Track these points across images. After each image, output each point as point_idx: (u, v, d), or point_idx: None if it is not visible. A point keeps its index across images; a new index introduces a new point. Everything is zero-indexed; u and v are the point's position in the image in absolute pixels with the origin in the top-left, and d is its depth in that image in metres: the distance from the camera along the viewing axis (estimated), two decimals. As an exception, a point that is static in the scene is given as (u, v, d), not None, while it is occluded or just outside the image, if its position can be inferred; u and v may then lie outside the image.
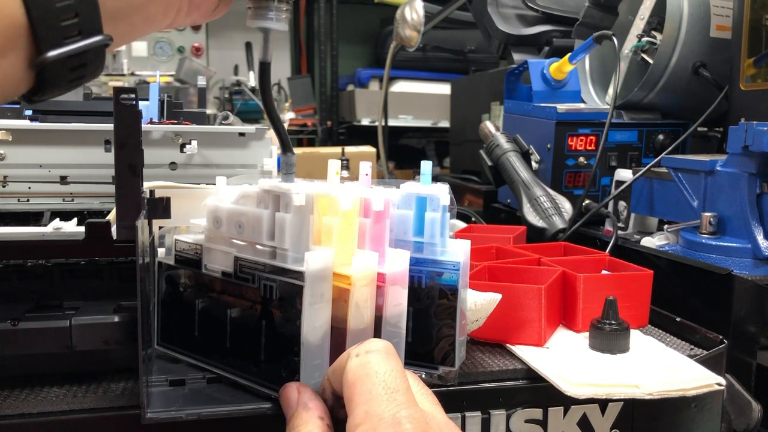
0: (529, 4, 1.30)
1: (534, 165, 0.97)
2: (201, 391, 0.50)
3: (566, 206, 0.88)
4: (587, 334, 0.61)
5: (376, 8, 2.65)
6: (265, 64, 0.47)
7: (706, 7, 0.92)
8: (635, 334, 0.63)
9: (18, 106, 0.78)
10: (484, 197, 1.29)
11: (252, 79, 3.12)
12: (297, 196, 0.45)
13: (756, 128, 0.69)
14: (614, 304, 0.59)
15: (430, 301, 0.51)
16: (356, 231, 0.47)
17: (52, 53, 0.33)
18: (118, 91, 0.48)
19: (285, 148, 0.49)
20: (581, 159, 0.98)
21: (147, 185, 0.52)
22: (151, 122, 0.79)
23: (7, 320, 0.48)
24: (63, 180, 0.73)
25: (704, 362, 0.57)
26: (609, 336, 0.59)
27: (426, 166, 0.53)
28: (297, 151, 1.83)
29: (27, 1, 0.32)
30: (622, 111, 1.01)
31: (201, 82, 1.00)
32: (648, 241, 0.83)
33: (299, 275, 0.44)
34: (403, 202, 0.52)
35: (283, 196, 0.45)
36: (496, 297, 0.57)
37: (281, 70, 3.24)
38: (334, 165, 0.49)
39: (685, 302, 0.72)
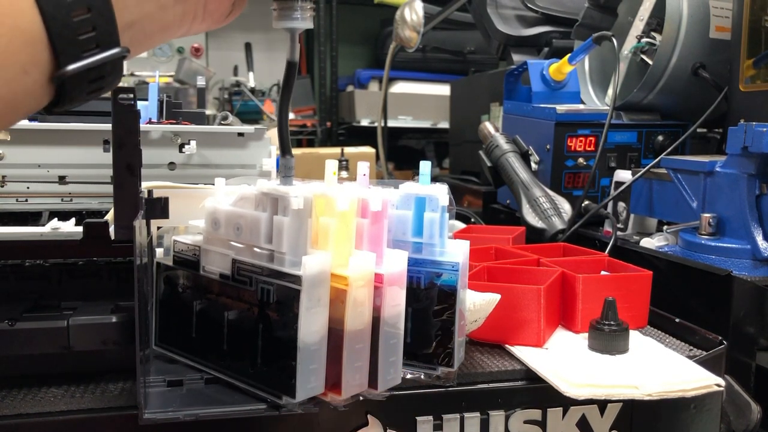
0: (529, 5, 1.30)
1: (533, 166, 0.97)
2: (199, 391, 0.49)
3: (565, 207, 0.88)
4: (586, 334, 0.61)
5: (376, 9, 2.65)
6: (292, 64, 0.47)
7: (705, 8, 0.92)
8: (634, 335, 0.63)
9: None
10: (483, 198, 1.29)
11: (252, 80, 3.12)
12: (295, 200, 0.44)
13: (755, 129, 0.69)
14: (613, 305, 0.59)
15: (429, 301, 0.51)
16: (354, 231, 0.47)
17: (71, 67, 0.33)
18: (116, 90, 0.48)
19: (284, 150, 0.49)
20: (580, 160, 0.98)
21: (145, 185, 0.52)
22: (150, 122, 0.79)
23: (5, 320, 0.48)
24: (61, 180, 0.72)
25: (703, 363, 0.57)
26: (608, 337, 0.59)
27: (425, 166, 0.53)
28: (296, 151, 1.83)
29: (45, 17, 0.32)
30: (621, 112, 1.01)
31: (200, 82, 1.00)
32: (647, 242, 0.83)
33: (296, 279, 0.44)
34: (402, 203, 0.52)
35: (282, 200, 0.45)
36: (495, 297, 0.57)
37: (281, 70, 3.23)
38: (331, 165, 0.48)
39: (685, 303, 0.72)
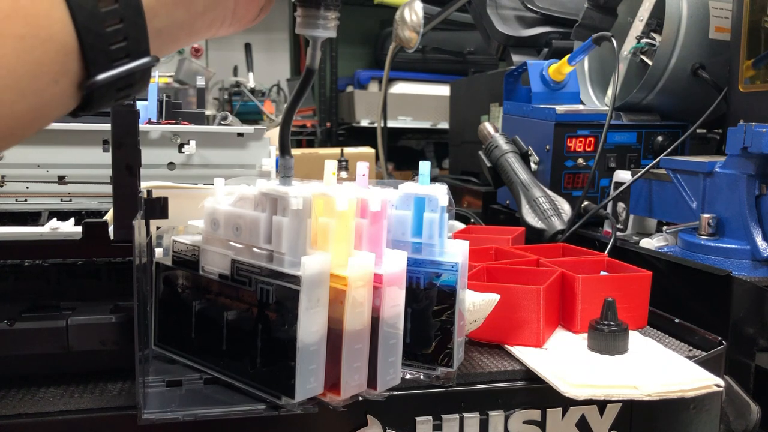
0: (528, 6, 1.30)
1: (533, 166, 0.97)
2: (198, 391, 0.49)
3: (565, 207, 0.88)
4: (586, 335, 0.61)
5: (376, 10, 2.64)
6: (311, 71, 0.47)
7: (705, 8, 0.93)
8: (634, 335, 0.63)
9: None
10: (483, 198, 1.29)
11: (251, 80, 3.12)
12: (294, 200, 0.44)
13: (755, 130, 0.69)
14: (613, 305, 0.59)
15: (429, 301, 0.51)
16: (353, 232, 0.47)
17: (101, 77, 0.33)
18: (115, 90, 0.48)
19: (283, 150, 0.49)
20: (580, 160, 0.98)
21: (144, 185, 0.52)
22: (149, 122, 0.79)
23: (4, 320, 0.48)
24: (61, 180, 0.73)
25: (703, 363, 0.57)
26: (608, 337, 0.59)
27: (424, 166, 0.53)
28: (296, 152, 1.83)
29: (79, 28, 0.32)
30: (621, 112, 1.01)
31: (200, 82, 1.00)
32: (647, 243, 0.83)
33: (296, 279, 0.44)
34: (401, 203, 0.52)
35: (281, 200, 0.45)
36: (494, 298, 0.57)
37: (280, 71, 3.24)
38: (330, 165, 0.48)
39: (684, 303, 0.72)
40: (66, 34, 0.32)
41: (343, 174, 1.48)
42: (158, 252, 0.54)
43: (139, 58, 0.35)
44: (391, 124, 2.80)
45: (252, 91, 3.03)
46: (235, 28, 0.43)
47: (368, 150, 1.93)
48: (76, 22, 0.32)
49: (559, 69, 1.03)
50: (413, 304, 0.51)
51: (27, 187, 0.72)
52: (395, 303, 0.48)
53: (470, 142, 1.47)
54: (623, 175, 0.91)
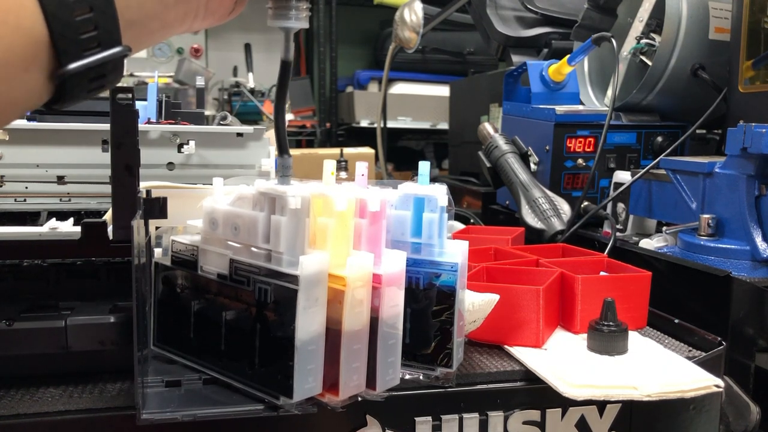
0: (528, 6, 1.30)
1: (533, 167, 0.97)
2: (197, 392, 0.49)
3: (565, 208, 0.88)
4: (585, 335, 0.60)
5: (376, 10, 2.65)
6: (286, 63, 0.47)
7: (704, 9, 0.93)
8: (633, 336, 0.63)
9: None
10: (482, 199, 1.29)
11: (251, 81, 3.12)
12: (293, 199, 0.44)
13: (754, 130, 0.69)
14: (612, 306, 0.59)
15: (428, 302, 0.51)
16: (352, 232, 0.47)
17: (72, 66, 0.34)
18: (114, 90, 0.48)
19: (281, 150, 0.49)
20: (580, 161, 0.98)
21: (144, 185, 0.52)
22: (148, 122, 0.79)
23: (3, 320, 0.48)
24: (60, 180, 0.72)
25: (703, 364, 0.57)
26: (607, 337, 0.58)
27: (424, 166, 0.52)
28: (295, 152, 1.83)
29: (48, 17, 0.32)
30: (620, 113, 1.01)
31: (199, 82, 1.00)
32: (646, 243, 0.83)
33: (294, 279, 0.44)
34: (400, 203, 0.52)
35: (279, 199, 0.45)
36: (493, 298, 0.57)
37: (280, 71, 3.24)
38: (329, 165, 0.48)
39: (684, 304, 0.72)
40: (35, 22, 0.32)
41: (343, 174, 1.48)
42: (157, 252, 0.54)
43: (110, 47, 0.35)
44: (390, 124, 2.80)
45: (252, 91, 3.03)
46: (209, 21, 0.43)
47: (368, 150, 1.93)
48: (45, 10, 0.32)
49: (558, 69, 1.03)
50: (412, 305, 0.51)
51: (26, 187, 0.72)
52: (394, 303, 0.48)
53: (470, 142, 1.47)
54: (623, 176, 0.91)
